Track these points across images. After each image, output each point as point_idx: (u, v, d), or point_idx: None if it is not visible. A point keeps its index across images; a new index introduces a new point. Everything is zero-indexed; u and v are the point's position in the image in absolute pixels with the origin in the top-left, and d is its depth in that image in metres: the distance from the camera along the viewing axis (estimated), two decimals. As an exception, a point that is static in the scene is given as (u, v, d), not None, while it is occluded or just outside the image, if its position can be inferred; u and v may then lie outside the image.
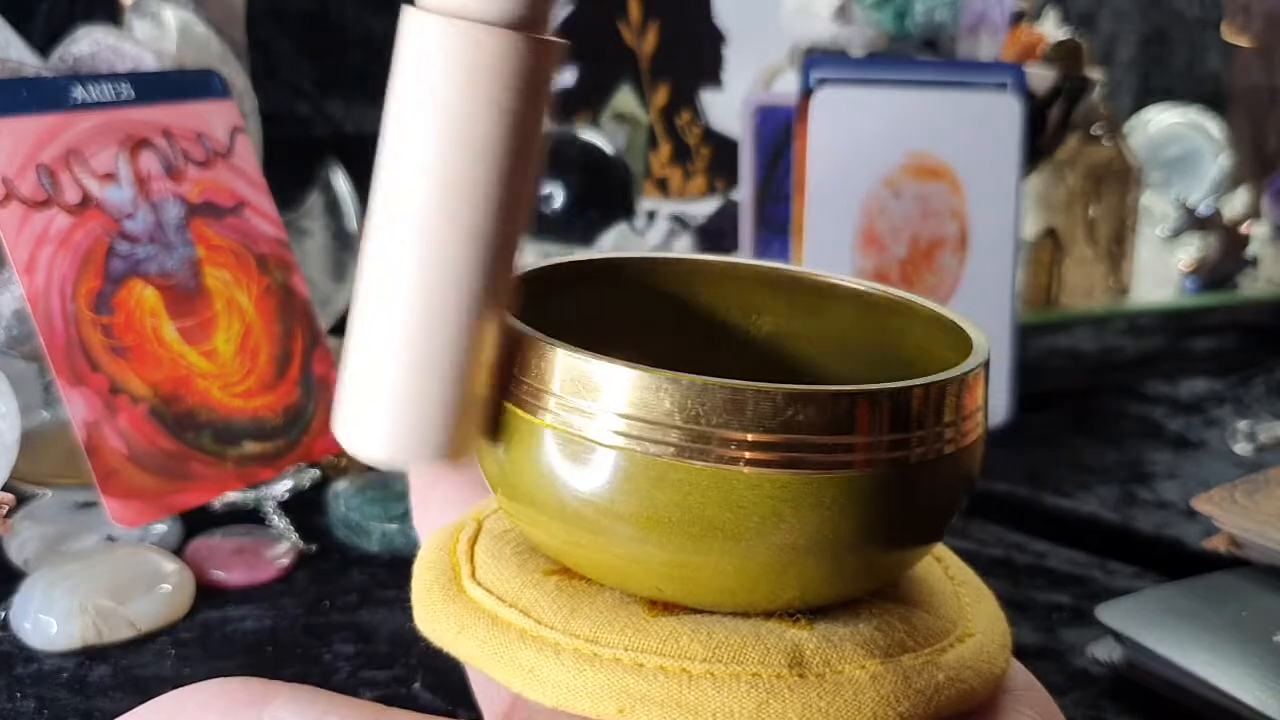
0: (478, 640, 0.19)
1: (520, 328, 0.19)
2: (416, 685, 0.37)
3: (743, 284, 0.24)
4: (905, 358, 0.23)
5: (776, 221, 0.63)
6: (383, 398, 0.18)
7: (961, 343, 0.21)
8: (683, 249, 0.71)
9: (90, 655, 0.38)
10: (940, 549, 0.23)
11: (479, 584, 0.20)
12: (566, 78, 0.83)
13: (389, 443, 0.18)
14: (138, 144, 0.45)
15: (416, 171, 0.17)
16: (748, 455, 0.17)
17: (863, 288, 0.24)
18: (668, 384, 0.17)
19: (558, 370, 0.18)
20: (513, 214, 0.18)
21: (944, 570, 0.22)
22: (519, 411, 0.19)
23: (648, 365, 0.18)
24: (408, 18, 0.17)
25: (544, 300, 0.22)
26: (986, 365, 0.20)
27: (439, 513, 0.24)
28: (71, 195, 0.43)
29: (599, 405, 0.18)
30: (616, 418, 0.18)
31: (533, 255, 0.67)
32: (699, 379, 0.17)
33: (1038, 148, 0.70)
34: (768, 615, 0.19)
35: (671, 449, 0.17)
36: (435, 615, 0.20)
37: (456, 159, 0.17)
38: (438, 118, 0.17)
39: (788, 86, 0.65)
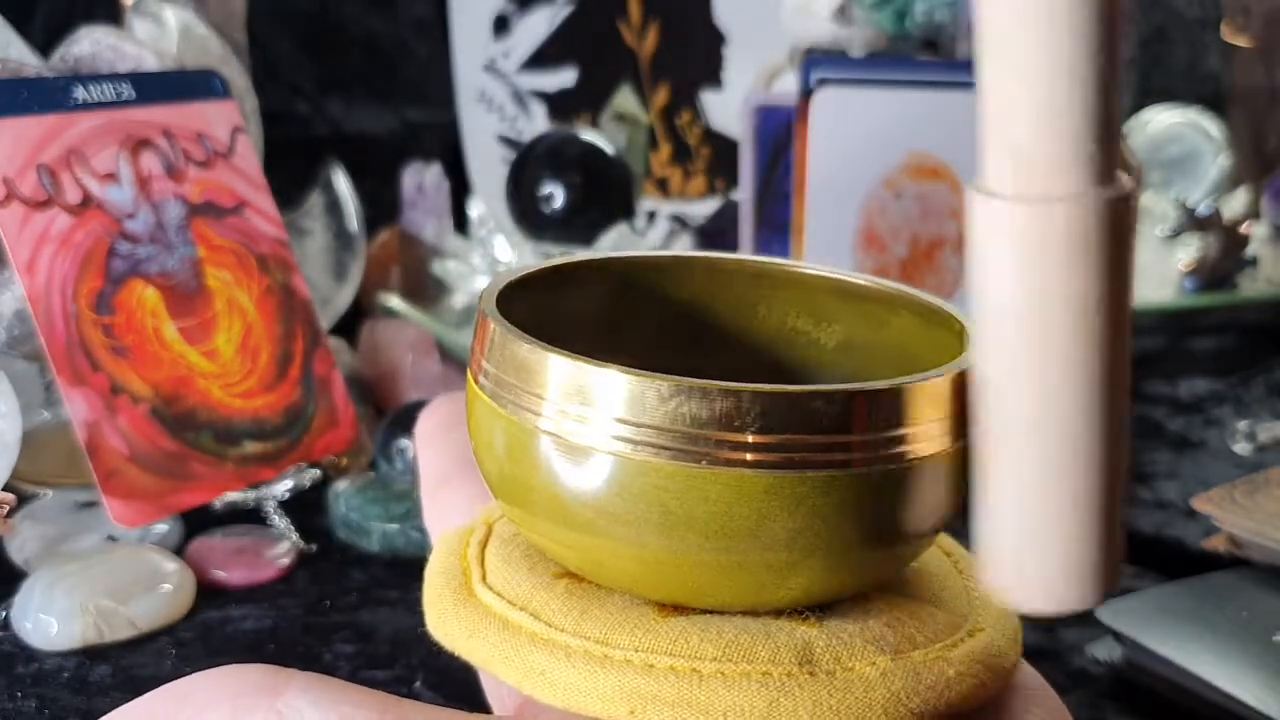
0: (489, 643, 0.19)
1: (516, 334, 0.19)
2: (417, 685, 0.37)
3: (749, 280, 0.24)
4: (910, 353, 0.22)
5: (776, 221, 0.63)
6: (1066, 540, 0.17)
7: (960, 341, 0.21)
8: (683, 249, 0.71)
9: (91, 655, 0.38)
10: (949, 543, 0.23)
11: (490, 588, 0.20)
12: (566, 78, 0.83)
13: (1075, 587, 0.17)
14: (138, 144, 0.45)
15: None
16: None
17: (865, 282, 0.24)
18: (661, 386, 0.18)
19: (552, 376, 0.18)
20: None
21: (953, 565, 0.22)
22: (514, 417, 0.19)
23: (640, 368, 0.18)
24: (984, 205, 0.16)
25: (542, 302, 0.22)
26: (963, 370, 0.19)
27: (449, 511, 0.24)
28: (72, 195, 0.43)
29: (594, 410, 0.18)
30: (613, 422, 0.18)
31: (532, 256, 0.67)
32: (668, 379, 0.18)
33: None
34: (777, 614, 0.19)
35: (660, 449, 0.18)
36: (447, 619, 0.20)
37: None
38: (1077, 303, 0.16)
39: (788, 86, 0.65)
